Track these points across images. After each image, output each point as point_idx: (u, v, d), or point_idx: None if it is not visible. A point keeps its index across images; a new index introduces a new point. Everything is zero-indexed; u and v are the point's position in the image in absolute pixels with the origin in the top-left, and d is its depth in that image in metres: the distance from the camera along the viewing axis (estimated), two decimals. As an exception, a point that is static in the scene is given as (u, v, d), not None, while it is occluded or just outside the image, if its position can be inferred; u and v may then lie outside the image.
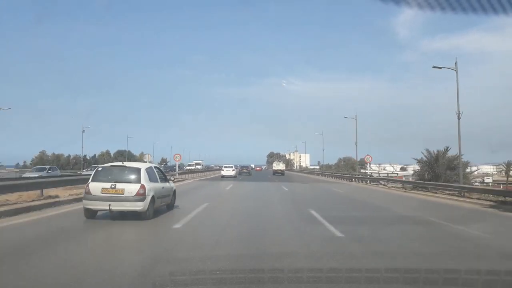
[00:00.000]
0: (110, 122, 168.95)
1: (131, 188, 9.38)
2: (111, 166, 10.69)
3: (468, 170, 32.24)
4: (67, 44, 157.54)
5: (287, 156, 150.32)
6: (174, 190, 12.34)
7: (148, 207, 9.48)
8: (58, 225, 8.86)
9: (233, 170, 43.15)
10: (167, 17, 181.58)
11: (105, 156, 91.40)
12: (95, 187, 9.45)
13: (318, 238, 7.39)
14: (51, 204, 12.01)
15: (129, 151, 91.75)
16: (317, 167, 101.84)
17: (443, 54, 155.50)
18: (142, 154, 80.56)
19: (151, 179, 10.19)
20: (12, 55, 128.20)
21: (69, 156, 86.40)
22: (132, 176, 9.70)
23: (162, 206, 10.91)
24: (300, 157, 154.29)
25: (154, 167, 11.48)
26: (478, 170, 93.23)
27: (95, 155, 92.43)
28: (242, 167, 59.62)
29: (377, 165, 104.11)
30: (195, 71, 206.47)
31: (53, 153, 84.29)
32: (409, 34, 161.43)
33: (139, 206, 9.33)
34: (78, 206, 10.98)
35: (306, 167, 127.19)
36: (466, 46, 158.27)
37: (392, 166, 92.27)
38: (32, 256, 5.58)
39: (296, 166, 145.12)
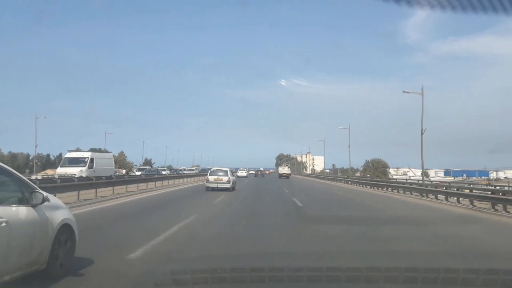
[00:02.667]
0: (114, 124, 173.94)
1: (225, 178, 23.63)
2: (216, 169, 25.58)
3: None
4: (69, 44, 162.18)
5: (299, 159, 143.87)
6: (235, 180, 27.14)
7: (232, 186, 23.92)
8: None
9: (245, 172, 65.72)
10: (173, 19, 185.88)
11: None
12: (211, 178, 23.86)
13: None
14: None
15: (105, 149, 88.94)
16: (327, 170, 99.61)
17: (454, 57, 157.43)
18: (121, 153, 77.51)
19: (231, 175, 24.84)
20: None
21: (28, 155, 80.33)
22: (224, 173, 24.21)
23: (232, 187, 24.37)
24: (313, 159, 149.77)
25: (230, 170, 26.23)
26: (506, 175, 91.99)
27: (61, 154, 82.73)
28: (257, 170, 78.22)
29: (395, 170, 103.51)
30: (202, 73, 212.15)
31: (10, 152, 78.62)
32: (419, 37, 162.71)
33: (228, 186, 23.50)
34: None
35: (322, 170, 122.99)
36: (477, 48, 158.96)
37: (412, 171, 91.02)
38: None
39: (311, 169, 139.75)
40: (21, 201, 4.58)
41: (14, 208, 4.39)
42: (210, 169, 27.13)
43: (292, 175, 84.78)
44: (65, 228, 5.17)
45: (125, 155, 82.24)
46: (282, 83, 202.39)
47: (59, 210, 5.23)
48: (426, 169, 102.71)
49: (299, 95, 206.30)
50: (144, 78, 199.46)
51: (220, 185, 23.17)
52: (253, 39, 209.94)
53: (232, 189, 23.84)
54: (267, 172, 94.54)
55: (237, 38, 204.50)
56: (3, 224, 4.04)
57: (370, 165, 66.04)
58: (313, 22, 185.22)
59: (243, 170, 68.03)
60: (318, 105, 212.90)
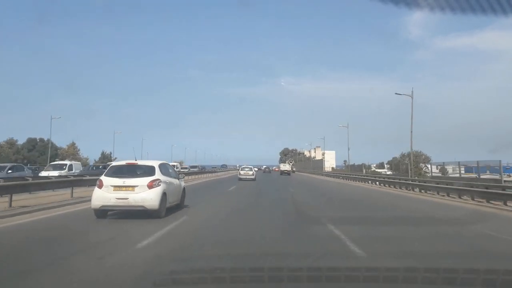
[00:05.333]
0: (114, 122, 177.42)
1: (250, 172, 40.75)
2: (245, 166, 44.31)
3: None
4: (72, 44, 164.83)
5: (307, 154, 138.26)
6: (256, 174, 44.24)
7: (255, 177, 40.25)
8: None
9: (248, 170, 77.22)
10: (176, 17, 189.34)
11: (5, 148, 68.93)
12: (242, 172, 41.36)
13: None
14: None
15: (48, 140, 72.07)
16: (339, 167, 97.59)
17: (456, 53, 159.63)
18: (72, 144, 71.33)
19: (254, 170, 43.48)
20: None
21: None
22: (250, 169, 41.96)
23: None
24: (323, 154, 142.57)
25: (254, 167, 50.72)
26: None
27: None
28: (265, 167, 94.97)
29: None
30: (204, 71, 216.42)
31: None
32: (421, 33, 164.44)
33: (253, 177, 40.04)
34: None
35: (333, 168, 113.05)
36: (480, 44, 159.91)
37: (427, 167, 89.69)
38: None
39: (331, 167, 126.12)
40: (175, 177, 13.38)
41: (176, 179, 13.29)
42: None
43: (296, 172, 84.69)
44: (184, 189, 14.09)
45: (78, 147, 72.51)
46: (283, 81, 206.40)
47: (182, 181, 14.45)
48: (439, 163, 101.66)
49: (302, 92, 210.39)
50: (145, 76, 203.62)
51: (248, 177, 39.78)
52: (256, 37, 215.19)
53: (255, 179, 39.69)
54: (276, 169, 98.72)
55: (240, 36, 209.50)
56: (176, 184, 13.14)
57: (406, 159, 50.76)
58: (315, 19, 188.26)
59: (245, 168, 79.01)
60: (321, 102, 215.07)
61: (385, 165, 74.36)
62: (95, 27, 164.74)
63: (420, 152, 52.67)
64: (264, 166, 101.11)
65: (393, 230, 10.49)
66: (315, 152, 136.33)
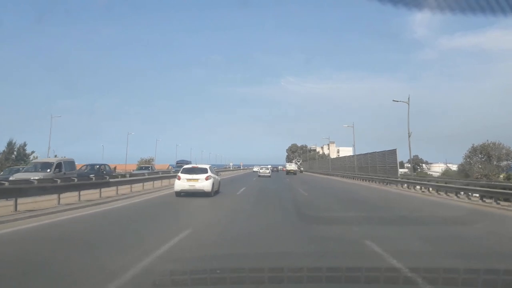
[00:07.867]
0: (120, 122, 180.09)
1: (267, 171, 57.80)
2: (263, 166, 64.38)
3: None
4: (79, 45, 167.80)
5: (320, 151, 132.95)
6: (271, 173, 64.01)
7: (270, 175, 56.73)
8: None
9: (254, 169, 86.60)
10: (182, 19, 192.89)
11: None
12: (261, 171, 58.11)
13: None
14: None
15: None
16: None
17: (462, 52, 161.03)
18: None
19: (271, 169, 65.85)
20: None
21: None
22: (266, 168, 60.01)
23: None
24: (338, 151, 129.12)
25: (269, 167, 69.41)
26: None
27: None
28: (274, 166, 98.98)
29: (428, 165, 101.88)
30: (210, 71, 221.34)
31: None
32: (427, 33, 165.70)
33: (269, 175, 56.20)
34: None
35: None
36: (486, 43, 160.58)
37: (447, 166, 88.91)
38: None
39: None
40: (216, 174, 23.03)
41: (216, 175, 22.88)
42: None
43: (305, 172, 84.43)
44: (219, 182, 23.67)
45: None
46: (287, 81, 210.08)
47: (219, 177, 24.20)
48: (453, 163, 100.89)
49: (308, 92, 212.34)
50: (150, 77, 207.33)
51: (265, 175, 53.76)
52: (261, 38, 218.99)
53: (270, 176, 52.07)
54: (283, 169, 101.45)
55: (244, 36, 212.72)
56: (217, 178, 22.77)
57: (478, 154, 41.64)
58: (320, 20, 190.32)
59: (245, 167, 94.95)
60: (326, 101, 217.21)
61: (404, 165, 74.10)
62: (96, 28, 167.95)
63: (501, 144, 41.42)
64: (269, 166, 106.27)
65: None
66: (328, 148, 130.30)
